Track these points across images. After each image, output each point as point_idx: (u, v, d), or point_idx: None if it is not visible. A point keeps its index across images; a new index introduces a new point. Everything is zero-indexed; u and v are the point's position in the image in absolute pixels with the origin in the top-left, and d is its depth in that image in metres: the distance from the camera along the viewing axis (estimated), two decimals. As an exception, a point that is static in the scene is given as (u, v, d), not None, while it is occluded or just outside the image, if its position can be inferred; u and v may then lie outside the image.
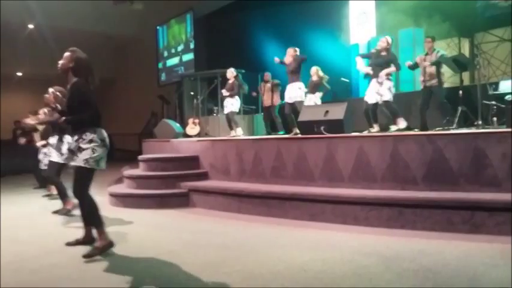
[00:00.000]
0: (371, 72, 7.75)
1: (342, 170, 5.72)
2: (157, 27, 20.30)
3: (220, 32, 16.45)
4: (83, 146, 4.16)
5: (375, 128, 7.79)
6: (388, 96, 7.54)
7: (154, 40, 20.57)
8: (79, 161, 4.15)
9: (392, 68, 7.59)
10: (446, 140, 5.03)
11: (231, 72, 10.12)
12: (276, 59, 8.79)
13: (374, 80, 7.66)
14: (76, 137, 4.22)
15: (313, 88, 9.72)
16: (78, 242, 4.61)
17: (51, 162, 6.63)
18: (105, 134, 4.33)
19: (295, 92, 8.63)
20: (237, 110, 10.29)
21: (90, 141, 4.18)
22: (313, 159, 6.00)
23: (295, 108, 8.62)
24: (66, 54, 4.33)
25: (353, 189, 5.50)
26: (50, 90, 6.36)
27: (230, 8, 15.44)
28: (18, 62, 20.55)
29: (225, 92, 10.25)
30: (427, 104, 7.80)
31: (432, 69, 7.63)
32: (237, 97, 10.05)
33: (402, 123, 7.48)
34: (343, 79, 10.89)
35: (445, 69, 7.82)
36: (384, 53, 7.64)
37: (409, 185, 5.21)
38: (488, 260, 3.60)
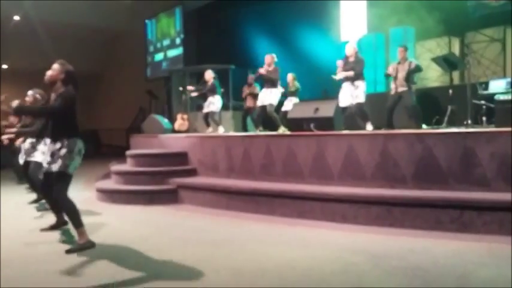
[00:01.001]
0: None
1: (332, 168, 5.72)
2: (146, 21, 20.16)
3: (210, 27, 16.39)
4: (63, 154, 4.29)
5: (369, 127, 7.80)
6: (362, 99, 7.63)
7: (143, 34, 20.44)
8: (60, 166, 4.27)
9: (349, 73, 7.71)
10: (436, 139, 5.05)
11: (209, 74, 10.15)
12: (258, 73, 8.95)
13: (347, 84, 7.73)
14: (58, 146, 4.33)
15: (291, 93, 9.84)
16: (52, 227, 5.05)
17: (36, 163, 6.34)
18: (82, 144, 4.47)
19: (267, 95, 8.74)
20: (218, 110, 10.26)
21: (71, 151, 4.32)
22: (303, 156, 6.01)
23: (264, 111, 8.79)
24: (56, 66, 4.46)
25: (342, 187, 5.51)
26: (30, 92, 6.36)
27: (220, 3, 15.37)
28: (3, 54, 20.29)
29: (193, 92, 10.54)
30: (393, 107, 7.92)
31: (402, 76, 7.76)
32: (217, 96, 10.04)
33: (369, 126, 7.58)
34: (333, 77, 10.89)
35: (435, 68, 7.88)
36: (351, 59, 7.77)
37: (398, 183, 5.23)
38: (477, 259, 3.63)
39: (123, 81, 23.35)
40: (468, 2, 9.78)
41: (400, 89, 7.86)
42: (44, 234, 5.00)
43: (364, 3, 11.75)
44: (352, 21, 11.95)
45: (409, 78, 7.72)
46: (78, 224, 4.31)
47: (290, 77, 10.00)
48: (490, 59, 9.48)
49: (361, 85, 7.64)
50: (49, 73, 4.47)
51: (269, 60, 8.69)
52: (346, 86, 7.76)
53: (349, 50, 7.85)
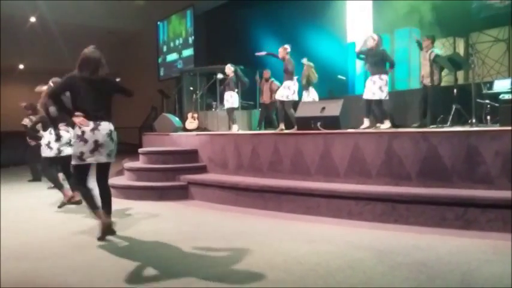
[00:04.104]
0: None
1: (338, 166, 5.80)
2: (158, 23, 20.31)
3: (220, 28, 16.47)
4: (110, 142, 4.43)
5: (365, 124, 7.88)
6: (378, 96, 7.65)
7: (155, 35, 20.59)
8: (111, 158, 4.53)
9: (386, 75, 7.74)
10: (440, 137, 5.10)
11: (229, 68, 10.26)
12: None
13: (369, 78, 7.75)
14: (108, 131, 4.43)
15: (308, 85, 9.83)
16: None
17: (44, 158, 6.46)
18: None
19: (282, 90, 8.71)
20: (237, 106, 10.42)
21: (114, 136, 4.51)
22: (310, 154, 6.08)
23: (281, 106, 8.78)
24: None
25: (348, 184, 5.58)
26: (44, 87, 6.41)
27: (230, 5, 15.49)
28: (19, 55, 20.51)
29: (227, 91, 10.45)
30: (424, 101, 7.93)
31: (427, 68, 7.75)
32: (235, 92, 10.18)
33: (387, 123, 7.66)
34: (339, 76, 10.97)
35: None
36: (373, 51, 7.72)
37: (403, 181, 5.28)
38: (481, 255, 3.65)
39: (136, 81, 23.47)
40: (473, 3, 9.75)
41: (425, 81, 7.91)
42: (61, 229, 5.08)
43: (370, 4, 11.77)
44: (357, 22, 11.99)
45: (432, 70, 7.70)
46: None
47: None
48: (494, 59, 9.46)
49: (377, 81, 7.62)
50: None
51: (281, 52, 8.62)
52: (369, 80, 7.74)
53: (371, 41, 7.78)
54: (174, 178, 7.22)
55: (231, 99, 10.15)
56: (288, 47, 8.63)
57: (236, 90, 10.37)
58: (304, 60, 9.90)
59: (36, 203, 7.04)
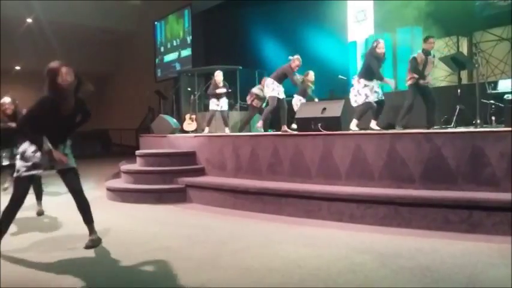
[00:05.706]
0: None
1: (339, 168, 5.72)
2: (155, 23, 20.29)
3: (218, 28, 16.48)
4: (67, 151, 4.37)
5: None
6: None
7: (152, 35, 20.57)
8: (72, 162, 4.35)
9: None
10: (444, 138, 5.02)
11: (221, 75, 10.22)
12: None
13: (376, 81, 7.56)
14: (62, 145, 4.34)
15: (303, 91, 9.78)
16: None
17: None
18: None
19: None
20: (219, 109, 10.39)
21: (71, 145, 4.46)
22: (310, 156, 6.01)
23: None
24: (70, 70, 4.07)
25: (349, 187, 5.50)
26: (8, 100, 6.29)
27: (228, 4, 15.45)
28: (16, 56, 20.51)
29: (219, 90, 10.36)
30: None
31: (431, 71, 7.59)
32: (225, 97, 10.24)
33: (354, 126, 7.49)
34: (340, 77, 10.91)
35: (443, 67, 7.83)
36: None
37: (406, 183, 5.20)
38: (486, 259, 3.60)
39: (133, 81, 23.52)
40: (476, 2, 9.75)
41: (424, 82, 7.50)
42: (53, 232, 5.04)
43: (371, 3, 11.74)
44: (359, 22, 11.94)
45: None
46: (92, 219, 4.39)
47: (311, 75, 9.98)
48: (498, 58, 9.43)
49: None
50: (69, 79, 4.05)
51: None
52: (375, 83, 7.55)
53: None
54: (172, 181, 7.14)
55: (219, 102, 10.17)
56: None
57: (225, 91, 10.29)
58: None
59: (32, 205, 6.93)
